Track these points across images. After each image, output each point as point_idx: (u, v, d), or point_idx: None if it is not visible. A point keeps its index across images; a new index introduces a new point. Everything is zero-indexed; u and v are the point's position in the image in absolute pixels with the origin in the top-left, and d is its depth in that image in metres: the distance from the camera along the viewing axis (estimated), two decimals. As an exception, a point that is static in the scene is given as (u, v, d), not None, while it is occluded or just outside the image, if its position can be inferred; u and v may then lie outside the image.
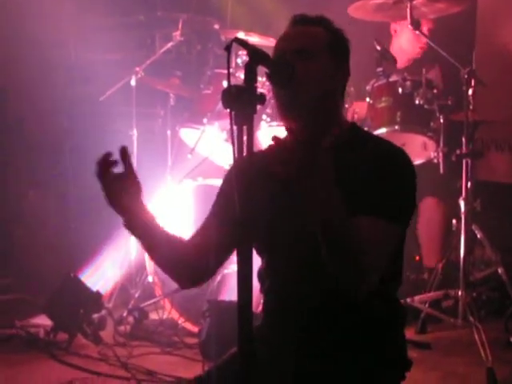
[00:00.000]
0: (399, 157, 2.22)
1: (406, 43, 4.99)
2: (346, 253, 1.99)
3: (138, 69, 4.86)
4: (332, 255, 2.00)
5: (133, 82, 4.84)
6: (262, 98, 1.92)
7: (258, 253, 2.35)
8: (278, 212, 2.26)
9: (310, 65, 2.21)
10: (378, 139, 2.35)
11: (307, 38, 2.25)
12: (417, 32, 4.36)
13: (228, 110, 1.88)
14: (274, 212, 2.25)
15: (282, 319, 2.28)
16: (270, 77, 2.09)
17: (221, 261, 2.38)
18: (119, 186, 2.27)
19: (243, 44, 1.98)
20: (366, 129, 4.26)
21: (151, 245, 2.37)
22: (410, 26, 4.35)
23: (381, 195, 2.12)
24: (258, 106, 1.91)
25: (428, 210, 4.80)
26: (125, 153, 2.29)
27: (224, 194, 2.42)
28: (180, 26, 5.00)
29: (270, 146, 2.22)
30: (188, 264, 2.37)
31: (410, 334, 4.21)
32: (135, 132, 4.87)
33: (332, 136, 2.27)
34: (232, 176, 2.28)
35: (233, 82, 1.92)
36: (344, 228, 1.98)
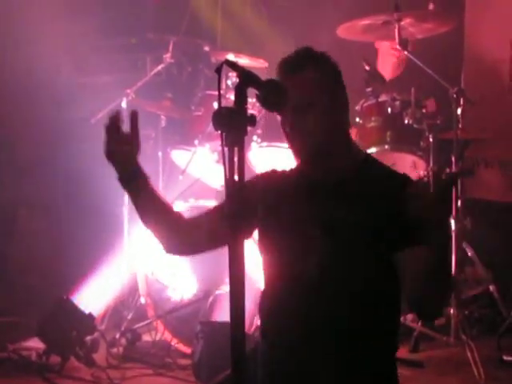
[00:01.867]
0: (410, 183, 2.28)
1: (380, 65, 5.04)
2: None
3: (128, 91, 4.87)
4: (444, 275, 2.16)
5: (124, 104, 4.85)
6: (252, 120, 1.94)
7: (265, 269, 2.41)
8: (289, 232, 2.33)
9: (307, 115, 2.29)
10: (390, 171, 2.40)
11: (298, 90, 2.28)
12: (405, 52, 4.40)
13: (219, 132, 1.90)
14: (286, 231, 2.33)
15: (281, 342, 2.29)
16: (260, 99, 2.11)
17: (211, 245, 2.47)
18: (121, 140, 2.45)
19: (233, 66, 2.00)
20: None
21: (144, 201, 2.45)
22: (398, 47, 4.37)
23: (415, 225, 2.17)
24: (249, 128, 1.93)
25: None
26: (134, 115, 2.49)
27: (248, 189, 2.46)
28: (170, 48, 5.03)
29: (288, 169, 2.41)
30: (177, 231, 2.47)
31: (402, 352, 4.21)
32: (127, 154, 4.87)
33: (345, 170, 2.34)
34: (257, 183, 2.42)
35: (223, 103, 1.95)
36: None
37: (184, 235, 2.48)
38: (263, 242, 2.41)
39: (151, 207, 2.46)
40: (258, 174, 2.51)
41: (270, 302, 2.37)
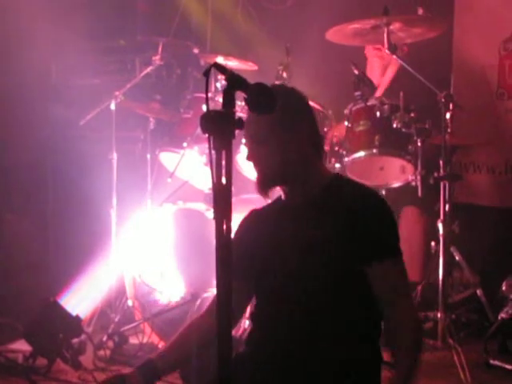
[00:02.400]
0: (377, 202, 2.41)
1: (369, 71, 5.06)
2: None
3: (117, 93, 4.87)
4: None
5: (112, 106, 4.84)
6: (240, 123, 1.94)
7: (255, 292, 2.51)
8: (274, 258, 2.43)
9: (261, 149, 2.40)
10: (354, 188, 2.48)
11: (256, 123, 2.39)
12: (394, 56, 4.40)
13: (207, 135, 1.90)
14: (271, 257, 2.43)
15: (265, 356, 2.36)
16: (248, 102, 2.11)
17: (242, 312, 2.60)
18: None
19: (222, 69, 2.01)
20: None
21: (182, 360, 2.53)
22: (387, 51, 4.38)
23: (377, 239, 2.33)
24: (237, 131, 1.93)
25: (409, 222, 4.84)
26: None
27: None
28: (160, 50, 5.02)
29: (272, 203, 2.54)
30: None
31: (388, 356, 4.21)
32: (115, 156, 4.87)
33: (308, 193, 2.43)
34: (240, 229, 2.55)
35: (212, 106, 1.96)
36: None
37: None
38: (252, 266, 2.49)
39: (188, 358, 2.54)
40: (241, 222, 2.59)
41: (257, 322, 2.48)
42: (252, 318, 2.54)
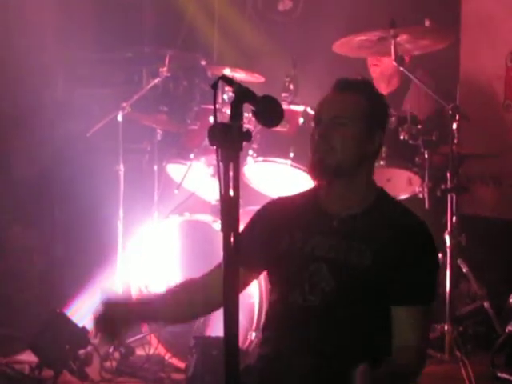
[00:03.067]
0: (424, 236, 2.33)
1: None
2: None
3: (124, 104, 4.88)
4: None
5: (119, 118, 4.85)
6: (247, 135, 1.95)
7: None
8: (291, 263, 2.36)
9: (343, 131, 2.33)
10: (403, 211, 2.43)
11: (344, 105, 2.36)
12: (401, 68, 4.40)
13: (214, 147, 1.91)
14: (287, 262, 2.37)
15: (276, 371, 2.31)
16: (255, 114, 2.11)
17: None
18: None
19: (229, 82, 2.01)
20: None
21: (157, 315, 2.49)
22: (394, 63, 4.38)
23: (415, 283, 2.27)
24: (244, 143, 1.94)
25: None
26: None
27: (248, 234, 2.46)
28: (167, 61, 5.03)
29: (302, 193, 2.47)
30: (197, 305, 2.47)
31: None
32: (122, 167, 4.87)
33: (361, 202, 2.37)
34: (259, 217, 2.46)
35: (219, 117, 1.96)
36: None
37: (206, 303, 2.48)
38: (269, 269, 2.46)
39: (168, 316, 2.52)
40: (264, 205, 2.52)
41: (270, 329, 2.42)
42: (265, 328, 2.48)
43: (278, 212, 2.45)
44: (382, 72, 4.99)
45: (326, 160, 2.33)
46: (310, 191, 2.51)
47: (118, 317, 2.36)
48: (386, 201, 2.44)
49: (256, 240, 2.38)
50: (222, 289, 2.30)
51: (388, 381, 2.16)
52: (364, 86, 2.42)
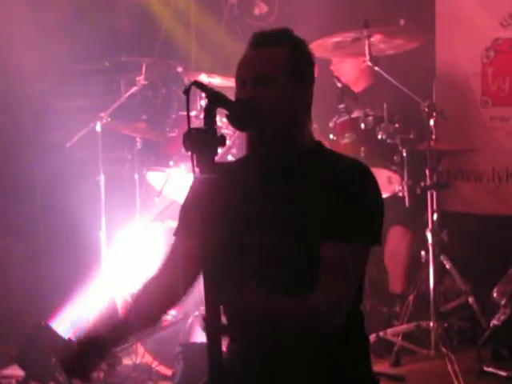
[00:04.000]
0: (358, 171, 2.21)
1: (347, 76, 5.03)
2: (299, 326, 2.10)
3: (103, 114, 4.87)
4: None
5: (98, 128, 4.85)
6: (222, 140, 1.95)
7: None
8: (241, 228, 2.25)
9: (270, 91, 2.19)
10: (338, 156, 2.32)
11: (264, 62, 2.22)
12: (376, 68, 4.43)
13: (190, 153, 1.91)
14: (237, 227, 2.24)
15: (245, 348, 2.24)
16: (229, 118, 2.12)
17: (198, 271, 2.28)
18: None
19: (202, 87, 2.01)
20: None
21: (133, 328, 2.34)
22: (369, 63, 4.40)
23: (346, 218, 2.13)
24: (223, 148, 1.94)
25: (395, 239, 4.82)
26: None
27: (187, 207, 2.40)
28: (143, 70, 5.03)
29: (235, 160, 2.27)
30: (168, 297, 2.36)
31: (384, 367, 4.22)
32: (102, 177, 4.86)
33: (292, 157, 2.26)
34: (196, 188, 2.17)
35: (197, 124, 1.95)
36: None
37: (176, 292, 2.36)
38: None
39: (144, 323, 2.40)
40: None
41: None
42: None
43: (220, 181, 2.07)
44: (346, 78, 4.97)
45: (261, 126, 2.18)
46: (241, 158, 2.43)
47: (91, 355, 2.22)
48: (323, 152, 2.32)
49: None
50: (183, 271, 2.26)
51: (282, 313, 2.09)
52: (283, 37, 2.26)
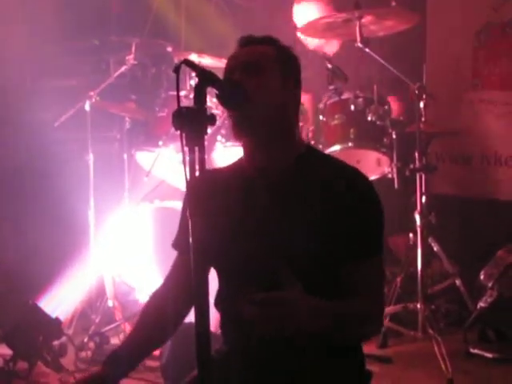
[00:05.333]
0: (360, 183, 2.21)
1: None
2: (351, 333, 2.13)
3: (92, 93, 4.84)
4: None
5: (87, 107, 4.82)
6: (212, 119, 1.93)
7: (218, 275, 2.36)
8: (237, 233, 2.24)
9: (259, 79, 2.20)
10: (333, 163, 2.30)
11: (254, 54, 2.24)
12: (366, 50, 4.41)
13: (179, 132, 1.90)
14: (232, 233, 2.24)
15: (241, 347, 2.25)
16: (220, 98, 2.11)
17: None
18: None
19: (192, 66, 2.00)
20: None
21: (142, 352, 2.36)
22: (359, 44, 4.39)
23: (357, 235, 2.14)
24: (213, 127, 1.93)
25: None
26: None
27: (185, 218, 2.39)
28: (133, 49, 5.00)
29: (228, 166, 2.27)
30: (175, 314, 2.37)
31: (371, 348, 4.24)
32: (91, 157, 4.84)
33: (286, 160, 2.24)
34: (187, 200, 2.13)
35: (187, 104, 1.94)
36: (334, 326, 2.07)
37: (179, 310, 2.38)
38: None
39: (152, 345, 2.42)
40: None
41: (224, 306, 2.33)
42: (217, 305, 2.35)
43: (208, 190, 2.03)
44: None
45: (249, 115, 2.16)
46: (235, 162, 2.38)
47: None
48: (316, 156, 2.31)
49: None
50: (186, 289, 2.27)
51: (332, 313, 2.08)
52: (269, 39, 2.30)
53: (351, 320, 2.11)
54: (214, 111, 4.37)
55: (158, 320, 2.35)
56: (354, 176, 2.23)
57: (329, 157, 2.37)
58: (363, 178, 2.23)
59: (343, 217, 2.14)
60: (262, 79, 2.21)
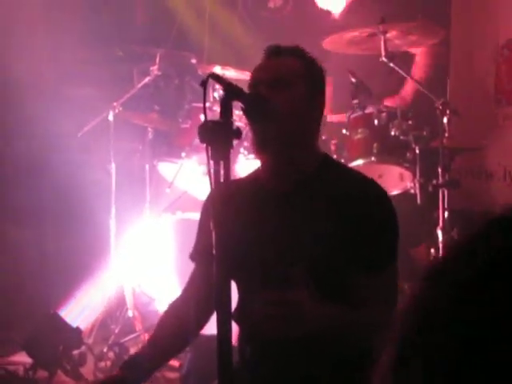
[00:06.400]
0: (374, 195, 2.23)
1: None
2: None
3: (115, 103, 4.87)
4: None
5: (111, 117, 4.85)
6: (238, 133, 1.94)
7: (236, 286, 2.36)
8: (252, 243, 2.26)
9: (285, 94, 2.21)
10: (349, 174, 2.33)
11: (281, 68, 2.26)
12: (391, 65, 4.40)
13: (205, 145, 1.91)
14: (248, 243, 2.26)
15: (259, 362, 2.27)
16: (245, 112, 2.11)
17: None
18: None
19: (218, 79, 2.02)
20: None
21: (158, 360, 2.37)
22: (384, 59, 4.38)
23: (370, 247, 2.15)
24: (235, 141, 1.94)
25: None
26: None
27: (202, 227, 2.41)
28: (157, 60, 5.03)
29: (246, 176, 2.29)
30: (191, 325, 2.37)
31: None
32: (113, 166, 4.86)
33: (303, 171, 2.27)
34: (208, 209, 2.25)
35: (210, 115, 1.95)
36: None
37: (198, 320, 2.40)
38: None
39: (171, 351, 2.43)
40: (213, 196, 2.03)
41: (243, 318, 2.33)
42: (235, 317, 2.32)
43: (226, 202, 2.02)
44: None
45: (272, 129, 2.17)
46: (253, 173, 2.41)
47: None
48: (331, 167, 2.32)
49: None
50: (203, 300, 2.29)
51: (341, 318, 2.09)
52: (297, 50, 2.31)
53: (359, 328, 2.12)
54: (237, 123, 4.38)
55: (174, 329, 2.36)
56: (369, 187, 2.25)
57: (345, 167, 2.43)
58: (378, 189, 2.25)
59: (356, 229, 2.15)
60: (288, 94, 2.22)
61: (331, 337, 2.09)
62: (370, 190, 2.24)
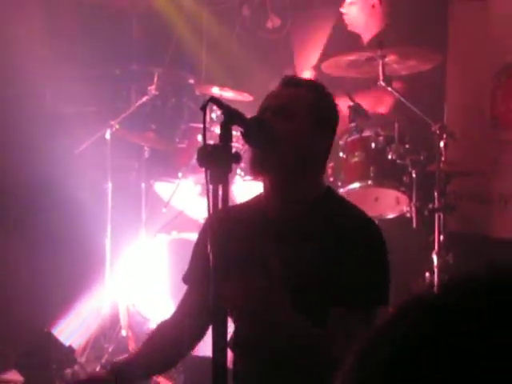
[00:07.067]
0: (369, 237, 2.25)
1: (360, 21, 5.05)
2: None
3: (112, 122, 4.87)
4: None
5: (108, 136, 4.85)
6: (237, 157, 1.95)
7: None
8: (244, 270, 2.23)
9: (288, 124, 2.23)
10: (349, 210, 2.34)
11: (289, 97, 2.27)
12: (389, 89, 4.42)
13: (203, 168, 1.91)
14: (240, 270, 2.22)
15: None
16: (244, 136, 2.12)
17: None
18: None
19: (218, 104, 2.02)
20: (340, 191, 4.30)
21: (142, 373, 2.36)
22: (382, 83, 4.39)
23: (357, 284, 2.16)
24: (237, 165, 1.94)
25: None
26: None
27: (199, 251, 2.41)
28: (155, 79, 5.04)
29: (247, 201, 2.30)
30: (180, 346, 2.36)
31: None
32: (110, 185, 4.86)
33: (302, 201, 2.29)
34: (207, 233, 2.20)
35: (208, 136, 1.95)
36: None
37: (188, 340, 2.38)
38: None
39: (155, 367, 2.43)
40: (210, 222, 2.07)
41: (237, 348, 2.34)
42: (232, 346, 2.34)
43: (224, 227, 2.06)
44: (355, 22, 4.98)
45: (270, 156, 2.19)
46: (254, 199, 2.41)
47: None
48: (333, 202, 2.33)
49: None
50: (194, 323, 2.29)
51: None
52: (311, 83, 2.36)
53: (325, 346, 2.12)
54: (234, 144, 4.39)
55: (160, 348, 2.35)
56: (368, 229, 2.27)
57: (345, 202, 2.40)
58: (376, 231, 2.27)
59: (348, 264, 2.17)
60: (291, 125, 2.24)
61: (303, 346, 2.12)
62: (369, 231, 2.26)
